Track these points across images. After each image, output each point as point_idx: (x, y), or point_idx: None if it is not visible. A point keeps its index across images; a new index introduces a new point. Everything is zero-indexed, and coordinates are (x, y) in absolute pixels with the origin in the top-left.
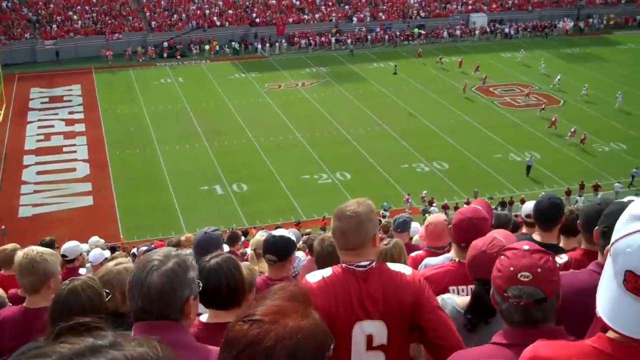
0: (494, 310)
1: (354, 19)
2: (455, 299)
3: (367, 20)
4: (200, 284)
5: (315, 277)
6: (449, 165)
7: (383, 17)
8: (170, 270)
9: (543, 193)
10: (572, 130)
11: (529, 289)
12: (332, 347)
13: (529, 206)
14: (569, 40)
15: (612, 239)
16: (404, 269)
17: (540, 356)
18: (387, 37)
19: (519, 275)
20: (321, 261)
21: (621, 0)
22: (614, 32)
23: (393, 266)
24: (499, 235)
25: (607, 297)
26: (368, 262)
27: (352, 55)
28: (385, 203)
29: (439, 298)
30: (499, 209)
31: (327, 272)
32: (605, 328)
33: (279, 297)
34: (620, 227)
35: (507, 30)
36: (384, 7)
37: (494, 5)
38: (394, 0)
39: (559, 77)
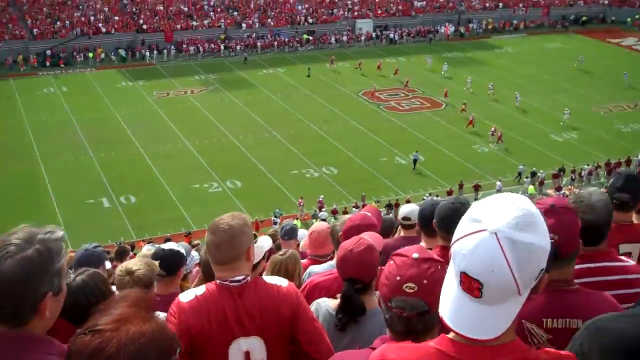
0: (363, 309)
1: (243, 25)
2: (329, 302)
3: (256, 26)
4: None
5: (187, 296)
6: (337, 170)
7: (272, 23)
8: (27, 258)
9: (426, 196)
10: (493, 129)
11: (413, 300)
12: (177, 350)
13: (406, 209)
14: (450, 45)
15: (452, 240)
16: (281, 281)
17: (387, 359)
18: (276, 43)
19: (404, 286)
20: (206, 270)
21: (498, 6)
22: (492, 37)
23: (269, 279)
24: (366, 236)
25: (448, 298)
26: (243, 277)
27: (245, 63)
28: (277, 210)
29: (314, 303)
30: (386, 211)
31: (201, 290)
32: (447, 329)
33: (121, 305)
34: (459, 229)
35: (391, 35)
36: (273, 13)
37: (379, 11)
38: (282, 7)
39: (469, 80)
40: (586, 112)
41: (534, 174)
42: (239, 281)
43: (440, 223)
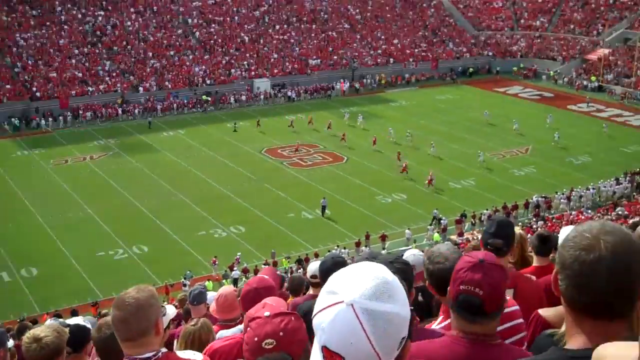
0: None
1: (140, 88)
2: None
3: (154, 89)
4: None
5: None
6: (245, 228)
7: (169, 86)
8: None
9: (330, 251)
10: (430, 174)
11: (275, 355)
12: None
13: (313, 266)
14: (346, 100)
15: (313, 314)
16: (195, 356)
17: None
18: (175, 105)
19: (263, 344)
20: (103, 349)
21: (389, 61)
22: (386, 91)
23: (182, 354)
24: (269, 301)
25: None
26: (153, 353)
27: (149, 127)
28: (188, 272)
29: None
30: (296, 266)
31: None
32: None
33: None
34: (318, 302)
35: (289, 93)
36: (170, 76)
37: (276, 70)
38: (179, 69)
39: (408, 132)
40: (470, 161)
41: (438, 221)
42: (149, 358)
43: (324, 278)
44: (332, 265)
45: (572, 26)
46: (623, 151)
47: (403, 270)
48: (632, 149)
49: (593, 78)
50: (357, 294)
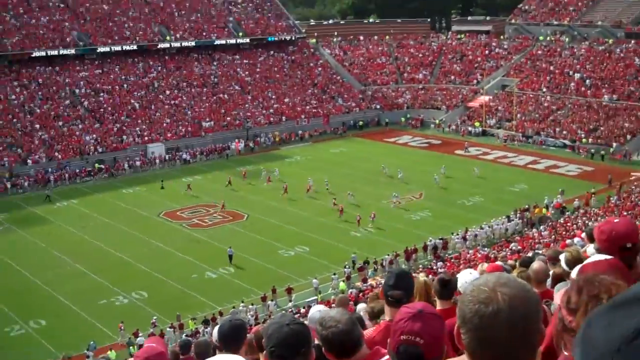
0: None
1: (29, 161)
2: None
3: (43, 161)
4: None
5: None
6: (147, 293)
7: (60, 156)
8: None
9: (242, 304)
10: (372, 215)
11: None
12: None
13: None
14: (243, 159)
15: None
16: None
17: None
18: (67, 175)
19: None
20: None
21: (282, 119)
22: (281, 147)
23: None
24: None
25: None
26: None
27: (49, 200)
28: (91, 342)
29: None
30: (203, 327)
31: None
32: None
33: None
34: None
35: (185, 156)
36: (59, 146)
37: (169, 134)
38: (69, 139)
39: (350, 193)
40: (377, 206)
41: (354, 262)
42: None
43: (223, 343)
44: (229, 330)
45: (452, 77)
46: (511, 190)
47: (298, 331)
48: (518, 187)
49: (477, 124)
50: None
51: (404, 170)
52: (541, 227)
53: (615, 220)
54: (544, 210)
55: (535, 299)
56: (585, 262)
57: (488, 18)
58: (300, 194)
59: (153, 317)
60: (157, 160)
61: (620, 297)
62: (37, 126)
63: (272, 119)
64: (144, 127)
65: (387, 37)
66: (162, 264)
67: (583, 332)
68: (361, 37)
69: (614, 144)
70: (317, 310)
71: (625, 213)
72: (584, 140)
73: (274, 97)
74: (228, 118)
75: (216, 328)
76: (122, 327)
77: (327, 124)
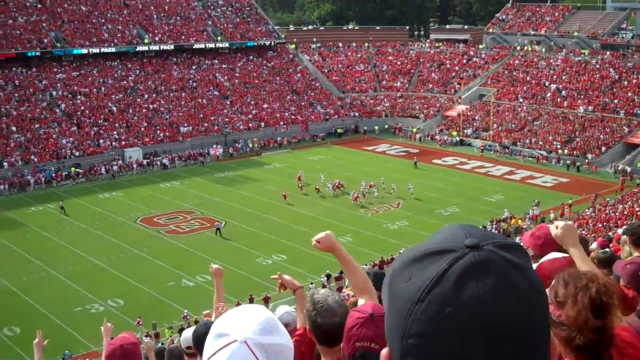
0: None
1: (5, 163)
2: None
3: (20, 164)
4: None
5: None
6: (124, 300)
7: (35, 159)
8: None
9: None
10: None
11: None
12: None
13: (187, 335)
14: (221, 165)
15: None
16: None
17: None
18: (43, 179)
19: None
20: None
21: (260, 125)
22: (260, 154)
23: None
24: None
25: None
26: None
27: (65, 212)
28: (67, 351)
29: None
30: (179, 335)
31: None
32: None
33: None
34: (207, 349)
35: (163, 161)
36: (35, 150)
37: (147, 139)
38: (45, 142)
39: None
40: (355, 215)
41: (328, 276)
42: None
43: (197, 344)
44: (206, 331)
45: (430, 85)
46: (487, 200)
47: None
48: (495, 197)
49: (454, 133)
50: (248, 331)
51: (380, 178)
52: (517, 238)
53: (548, 225)
54: (519, 221)
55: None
56: (541, 260)
57: (466, 27)
58: (278, 202)
59: (137, 317)
60: (135, 165)
61: (417, 252)
62: (14, 128)
63: (250, 124)
64: (121, 130)
65: (365, 44)
66: (139, 271)
67: (388, 286)
68: (340, 44)
69: (589, 156)
70: (285, 312)
71: (599, 225)
72: (559, 151)
73: (252, 102)
74: (206, 123)
75: (187, 333)
76: (141, 322)
77: (306, 130)
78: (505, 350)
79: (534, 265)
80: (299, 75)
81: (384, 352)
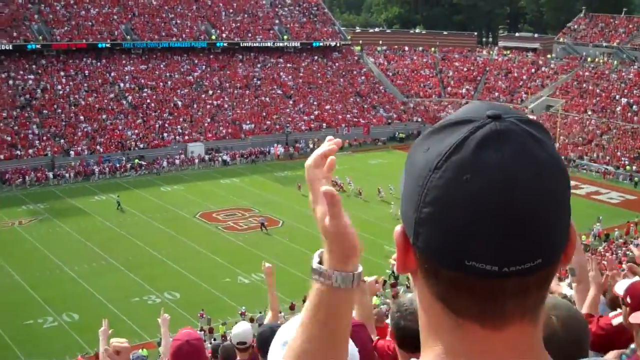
0: None
1: (71, 152)
2: None
3: (86, 153)
4: None
5: None
6: (180, 294)
7: (101, 150)
8: None
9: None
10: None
11: None
12: None
13: (240, 331)
14: (281, 164)
15: None
16: None
17: None
18: (107, 169)
19: None
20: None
21: (322, 126)
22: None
23: None
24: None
25: None
26: None
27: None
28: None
29: None
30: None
31: None
32: None
33: None
34: (274, 353)
35: (224, 157)
36: (102, 140)
37: (210, 135)
38: (112, 133)
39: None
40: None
41: (384, 282)
42: None
43: (262, 347)
44: (272, 334)
45: (496, 94)
46: None
47: None
48: None
49: None
50: None
51: None
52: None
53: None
54: (583, 237)
55: (584, 321)
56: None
57: (536, 35)
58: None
59: (200, 310)
60: (197, 160)
61: (437, 124)
62: (82, 118)
63: (312, 125)
64: (185, 125)
65: (432, 49)
66: (196, 265)
67: (407, 160)
68: (406, 48)
69: None
70: (241, 330)
71: None
72: (627, 167)
73: (315, 103)
74: (268, 122)
75: (238, 328)
76: (204, 315)
77: (368, 134)
78: (521, 216)
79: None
80: (363, 77)
81: (398, 228)
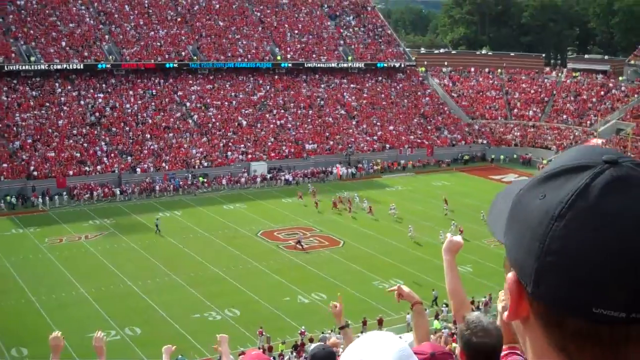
0: None
1: (138, 169)
2: None
3: (151, 170)
4: None
5: None
6: (240, 311)
7: (167, 167)
8: None
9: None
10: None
11: None
12: None
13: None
14: (343, 185)
15: None
16: None
17: None
18: (171, 186)
19: None
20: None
21: (385, 147)
22: (383, 176)
23: None
24: None
25: None
26: None
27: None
28: (180, 357)
29: None
30: (289, 353)
31: None
32: None
33: None
34: None
35: (286, 176)
36: (167, 157)
37: (273, 154)
38: (177, 151)
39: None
40: (479, 246)
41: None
42: None
43: None
44: (325, 356)
45: (564, 116)
46: None
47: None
48: None
49: None
50: None
51: None
52: None
53: None
54: None
55: None
56: None
57: (606, 57)
58: (397, 225)
59: (259, 328)
60: (259, 179)
61: (549, 170)
62: (148, 136)
63: (375, 145)
64: (249, 144)
65: (499, 70)
66: (256, 283)
67: (515, 206)
68: (472, 69)
69: None
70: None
71: None
72: None
73: (378, 123)
74: (331, 142)
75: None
76: (263, 332)
77: (431, 155)
78: None
79: None
80: (427, 98)
81: (510, 275)
